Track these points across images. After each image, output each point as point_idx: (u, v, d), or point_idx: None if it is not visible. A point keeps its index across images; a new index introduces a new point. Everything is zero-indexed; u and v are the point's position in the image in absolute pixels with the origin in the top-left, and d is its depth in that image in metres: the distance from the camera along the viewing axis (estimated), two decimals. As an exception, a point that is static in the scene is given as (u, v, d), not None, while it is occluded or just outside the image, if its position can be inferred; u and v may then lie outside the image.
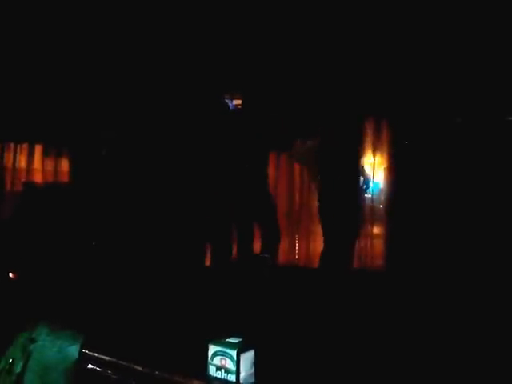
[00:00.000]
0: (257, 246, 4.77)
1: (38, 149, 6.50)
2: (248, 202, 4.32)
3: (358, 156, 4.18)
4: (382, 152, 4.90)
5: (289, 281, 3.96)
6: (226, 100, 5.35)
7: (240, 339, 1.52)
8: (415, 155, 4.29)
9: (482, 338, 2.27)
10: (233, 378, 1.45)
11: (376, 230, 4.90)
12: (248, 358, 1.49)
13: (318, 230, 5.20)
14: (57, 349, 1.76)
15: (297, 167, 5.43)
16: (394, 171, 4.65)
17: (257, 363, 1.50)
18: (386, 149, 4.82)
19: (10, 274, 2.97)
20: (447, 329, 2.41)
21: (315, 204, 5.33)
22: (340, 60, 4.40)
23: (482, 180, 3.85)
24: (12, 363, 1.83)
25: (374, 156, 4.90)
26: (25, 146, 6.49)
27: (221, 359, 1.47)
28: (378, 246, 4.83)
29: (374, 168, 4.93)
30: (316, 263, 5.15)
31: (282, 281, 3.91)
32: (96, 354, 1.72)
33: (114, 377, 1.65)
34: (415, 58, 4.11)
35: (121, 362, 1.65)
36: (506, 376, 1.81)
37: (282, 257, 4.94)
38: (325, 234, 4.13)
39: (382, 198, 4.91)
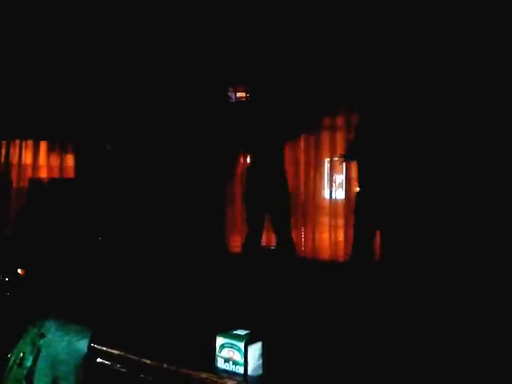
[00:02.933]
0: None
1: (44, 145, 6.52)
2: (263, 191, 4.30)
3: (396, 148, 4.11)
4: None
5: (295, 272, 3.97)
6: (230, 93, 5.33)
7: (247, 331, 1.52)
8: (419, 146, 4.26)
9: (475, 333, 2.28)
10: (241, 369, 1.45)
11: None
12: (256, 349, 1.49)
13: (325, 221, 5.20)
14: (66, 343, 1.78)
15: (301, 158, 5.41)
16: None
17: (265, 355, 1.50)
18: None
19: (19, 270, 2.99)
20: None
21: (321, 195, 5.33)
22: (345, 53, 4.38)
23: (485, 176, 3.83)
24: (22, 357, 1.85)
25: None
26: (30, 142, 6.51)
27: (229, 351, 1.48)
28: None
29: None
30: (322, 255, 5.17)
31: (288, 273, 3.91)
32: (105, 348, 1.73)
33: (123, 370, 1.66)
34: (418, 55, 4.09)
35: (129, 355, 1.66)
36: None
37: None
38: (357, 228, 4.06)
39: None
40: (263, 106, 4.53)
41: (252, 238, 4.34)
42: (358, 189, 4.14)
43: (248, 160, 5.04)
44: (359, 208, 3.99)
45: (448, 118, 4.05)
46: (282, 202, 4.36)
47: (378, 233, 3.93)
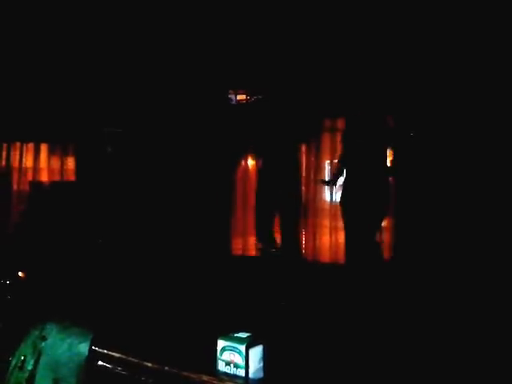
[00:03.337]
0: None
1: (44, 148, 6.52)
2: (275, 192, 4.34)
3: (382, 148, 4.16)
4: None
5: (296, 275, 3.97)
6: (230, 95, 5.34)
7: (249, 334, 1.52)
8: (419, 147, 4.27)
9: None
10: (242, 372, 1.45)
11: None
12: (257, 352, 1.49)
13: (325, 223, 5.20)
14: (67, 346, 1.78)
15: (302, 160, 5.41)
16: (400, 163, 4.62)
17: (266, 358, 1.50)
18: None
19: (20, 273, 2.99)
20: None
21: (321, 197, 5.33)
22: (355, 55, 4.40)
23: (488, 174, 3.83)
24: (23, 360, 1.85)
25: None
26: (31, 145, 6.51)
27: (230, 354, 1.47)
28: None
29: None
30: (323, 257, 5.17)
31: (290, 275, 3.91)
32: (106, 351, 1.73)
33: (124, 373, 1.66)
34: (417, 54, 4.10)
35: (130, 358, 1.66)
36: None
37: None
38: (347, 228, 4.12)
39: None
40: (275, 109, 4.56)
41: (264, 240, 4.37)
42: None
43: (251, 162, 5.06)
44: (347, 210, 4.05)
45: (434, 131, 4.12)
46: (293, 203, 4.40)
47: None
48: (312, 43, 4.52)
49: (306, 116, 4.73)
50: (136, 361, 1.64)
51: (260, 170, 4.73)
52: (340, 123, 5.22)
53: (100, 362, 1.72)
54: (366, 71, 4.43)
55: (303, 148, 5.42)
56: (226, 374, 1.47)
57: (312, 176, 5.37)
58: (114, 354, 1.70)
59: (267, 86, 4.89)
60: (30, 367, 1.82)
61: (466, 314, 2.57)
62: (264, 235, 4.40)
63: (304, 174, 5.42)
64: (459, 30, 3.89)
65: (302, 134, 4.78)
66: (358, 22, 4.22)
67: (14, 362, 1.87)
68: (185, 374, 1.52)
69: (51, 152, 6.49)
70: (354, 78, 4.52)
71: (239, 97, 5.44)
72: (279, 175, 4.36)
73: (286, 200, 4.35)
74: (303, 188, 5.38)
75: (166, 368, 1.56)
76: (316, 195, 5.34)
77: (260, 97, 5.06)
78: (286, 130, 4.48)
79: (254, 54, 4.83)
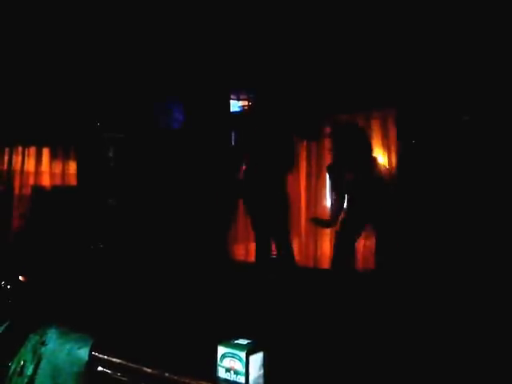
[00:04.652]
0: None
1: (46, 152, 6.53)
2: (266, 202, 4.34)
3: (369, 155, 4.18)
4: (390, 151, 4.88)
5: (296, 282, 3.96)
6: (232, 100, 5.35)
7: (249, 341, 1.52)
8: (422, 154, 4.27)
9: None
10: (242, 379, 1.45)
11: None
12: (257, 359, 1.49)
13: (326, 229, 5.20)
14: (67, 351, 1.77)
15: (302, 168, 5.41)
16: (401, 170, 4.62)
17: (266, 365, 1.50)
18: (394, 148, 4.80)
19: (21, 277, 2.99)
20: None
21: (322, 203, 5.33)
22: (347, 57, 4.41)
23: (490, 178, 3.82)
24: (23, 365, 1.84)
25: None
26: (33, 149, 6.52)
27: (230, 361, 1.47)
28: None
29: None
30: (323, 264, 5.16)
31: (290, 282, 3.91)
32: (106, 357, 1.73)
33: (124, 379, 1.65)
34: (420, 55, 4.11)
35: (130, 364, 1.66)
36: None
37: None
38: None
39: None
40: (265, 115, 4.56)
41: (261, 247, 4.37)
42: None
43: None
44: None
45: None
46: (279, 210, 4.39)
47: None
48: (303, 47, 4.52)
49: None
50: (136, 367, 1.64)
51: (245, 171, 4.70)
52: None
53: (100, 368, 1.72)
54: (367, 70, 4.42)
55: (304, 153, 5.43)
56: (226, 380, 1.47)
57: (313, 182, 5.37)
58: (114, 359, 1.70)
59: (260, 93, 4.92)
60: (29, 372, 1.81)
61: (454, 324, 2.57)
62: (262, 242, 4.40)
63: (305, 180, 5.42)
64: (456, 38, 3.90)
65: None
66: (354, 34, 4.24)
67: (13, 367, 1.87)
68: (185, 380, 1.52)
69: (53, 156, 6.50)
70: (351, 79, 4.52)
71: (241, 102, 5.45)
72: (263, 182, 4.37)
73: (272, 207, 4.36)
74: (303, 194, 5.39)
75: (167, 374, 1.56)
76: (316, 201, 5.34)
77: (254, 104, 5.09)
78: (275, 136, 4.49)
79: (251, 60, 4.85)
